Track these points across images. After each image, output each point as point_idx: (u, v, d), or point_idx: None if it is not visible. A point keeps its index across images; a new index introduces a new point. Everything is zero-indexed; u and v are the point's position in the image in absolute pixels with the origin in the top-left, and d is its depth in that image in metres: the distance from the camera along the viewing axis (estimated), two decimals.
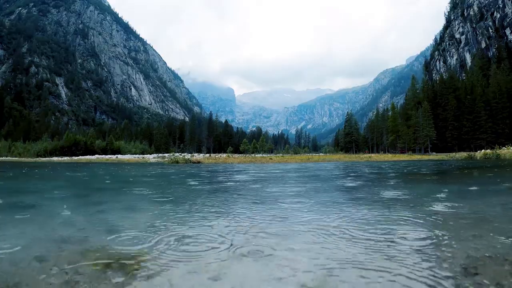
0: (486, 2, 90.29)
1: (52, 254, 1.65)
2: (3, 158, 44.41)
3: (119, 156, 41.27)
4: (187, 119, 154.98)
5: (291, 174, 9.26)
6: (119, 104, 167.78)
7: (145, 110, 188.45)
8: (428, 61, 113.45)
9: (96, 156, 41.99)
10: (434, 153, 49.00)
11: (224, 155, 41.63)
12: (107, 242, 1.87)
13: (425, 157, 31.49)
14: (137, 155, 43.73)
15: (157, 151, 67.73)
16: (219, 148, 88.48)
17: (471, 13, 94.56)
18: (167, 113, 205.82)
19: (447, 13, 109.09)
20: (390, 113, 70.61)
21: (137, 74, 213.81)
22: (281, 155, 50.53)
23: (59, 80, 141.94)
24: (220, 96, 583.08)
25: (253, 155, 45.24)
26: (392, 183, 6.20)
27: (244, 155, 45.43)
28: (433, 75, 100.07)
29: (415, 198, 3.74)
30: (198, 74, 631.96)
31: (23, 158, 43.49)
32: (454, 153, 36.24)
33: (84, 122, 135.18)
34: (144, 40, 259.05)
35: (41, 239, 1.98)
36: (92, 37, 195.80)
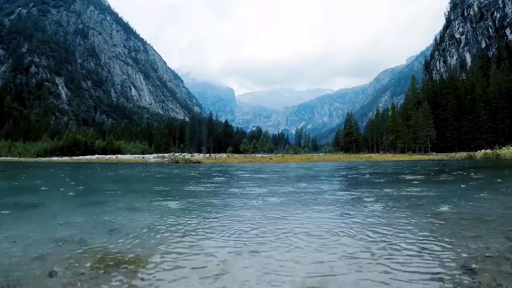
0: (486, 2, 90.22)
1: (52, 254, 1.64)
2: (3, 158, 44.38)
3: (119, 156, 41.27)
4: (187, 119, 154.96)
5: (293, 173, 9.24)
6: (119, 104, 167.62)
7: (145, 110, 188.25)
8: (428, 61, 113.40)
9: (96, 156, 41.97)
10: (434, 153, 48.97)
11: (224, 155, 41.62)
12: (107, 242, 1.87)
13: (425, 157, 31.49)
14: (137, 155, 43.74)
15: (157, 151, 67.67)
16: (219, 148, 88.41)
17: (471, 13, 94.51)
18: (167, 113, 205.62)
19: (447, 13, 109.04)
20: (390, 113, 70.54)
21: (137, 74, 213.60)
22: (281, 155, 50.51)
23: (59, 80, 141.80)
24: (220, 96, 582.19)
25: (253, 155, 45.23)
26: (391, 183, 6.20)
27: (244, 155, 45.42)
28: (433, 75, 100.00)
29: (414, 198, 3.74)
30: (198, 74, 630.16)
31: (23, 158, 43.46)
32: (454, 153, 36.22)
33: (84, 122, 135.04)
34: (144, 40, 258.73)
35: (41, 239, 1.98)
36: (92, 37, 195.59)
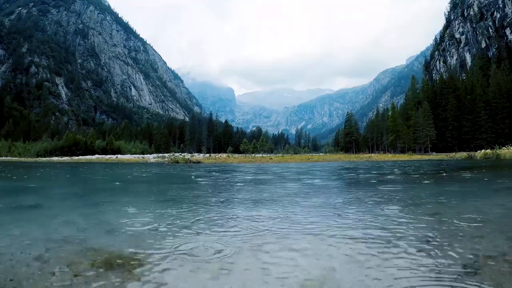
0: (486, 2, 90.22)
1: (52, 254, 1.65)
2: (3, 158, 44.37)
3: (119, 156, 41.26)
4: (187, 119, 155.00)
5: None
6: (119, 104, 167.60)
7: (145, 110, 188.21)
8: (428, 61, 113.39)
9: (96, 156, 41.95)
10: (434, 153, 48.97)
11: (224, 155, 41.61)
12: (107, 242, 1.87)
13: (425, 157, 31.48)
14: (137, 155, 43.73)
15: (157, 151, 67.65)
16: (219, 148, 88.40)
17: (471, 13, 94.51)
18: (167, 113, 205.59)
19: (447, 13, 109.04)
20: (390, 113, 70.53)
21: (137, 74, 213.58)
22: (281, 155, 50.50)
23: (59, 80, 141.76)
24: (220, 96, 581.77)
25: (253, 155, 45.24)
26: (391, 183, 6.20)
27: (244, 155, 45.42)
28: (433, 75, 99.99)
29: (414, 198, 3.74)
30: (198, 74, 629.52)
31: (23, 158, 43.45)
32: (454, 153, 36.21)
33: (84, 122, 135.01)
34: (144, 40, 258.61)
35: (41, 239, 1.98)
36: (92, 37, 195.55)
